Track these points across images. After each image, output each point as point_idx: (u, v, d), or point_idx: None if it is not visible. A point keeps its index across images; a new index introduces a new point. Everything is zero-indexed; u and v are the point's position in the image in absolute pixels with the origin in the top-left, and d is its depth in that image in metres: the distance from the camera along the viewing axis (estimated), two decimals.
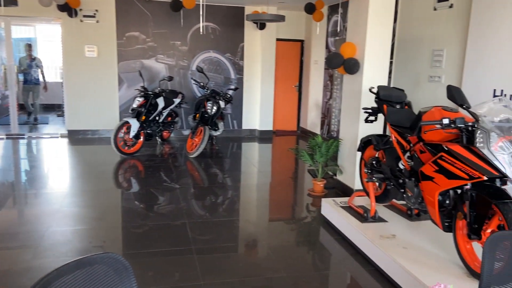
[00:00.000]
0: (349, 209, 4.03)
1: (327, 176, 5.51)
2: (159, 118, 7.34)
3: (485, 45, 4.21)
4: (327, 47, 8.26)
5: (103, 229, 3.95)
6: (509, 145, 2.41)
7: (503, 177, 2.43)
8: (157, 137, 7.63)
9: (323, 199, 4.35)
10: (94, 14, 7.96)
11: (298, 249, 3.67)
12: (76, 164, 6.46)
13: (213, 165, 6.59)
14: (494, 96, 4.10)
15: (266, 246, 3.71)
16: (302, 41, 9.50)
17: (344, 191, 5.14)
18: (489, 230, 2.59)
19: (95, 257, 1.41)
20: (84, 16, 7.92)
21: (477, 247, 2.78)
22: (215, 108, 7.12)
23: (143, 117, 6.85)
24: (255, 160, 7.15)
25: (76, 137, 8.26)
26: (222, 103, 7.35)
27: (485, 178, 2.47)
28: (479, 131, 2.49)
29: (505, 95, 3.98)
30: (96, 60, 8.13)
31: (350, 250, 3.63)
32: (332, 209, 4.10)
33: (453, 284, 2.61)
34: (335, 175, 5.41)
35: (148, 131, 7.11)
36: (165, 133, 7.99)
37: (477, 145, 2.48)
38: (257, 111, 9.20)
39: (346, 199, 4.30)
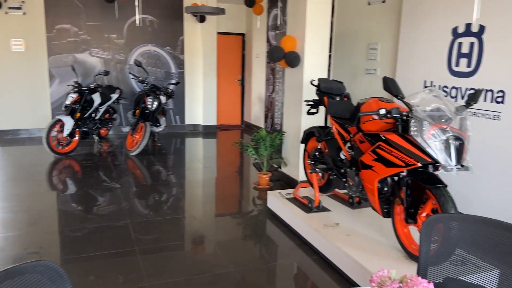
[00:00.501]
0: (294, 200, 4.09)
1: (272, 169, 5.56)
2: (96, 115, 7.00)
3: (416, 39, 4.44)
4: (268, 40, 8.31)
5: (38, 234, 3.69)
6: (440, 132, 2.55)
7: (435, 163, 2.57)
8: (94, 135, 7.27)
9: (268, 192, 4.39)
10: (21, 5, 7.39)
11: (245, 243, 3.66)
12: (5, 166, 5.98)
13: (155, 162, 6.41)
14: (425, 87, 4.34)
15: (213, 242, 3.67)
16: (243, 35, 9.49)
17: (289, 183, 5.21)
18: (424, 214, 2.73)
19: (26, 266, 1.30)
20: (10, 8, 7.34)
21: (414, 231, 2.94)
22: (156, 103, 6.91)
23: (78, 114, 6.49)
24: (199, 156, 7.05)
25: (4, 138, 7.66)
26: (163, 98, 7.15)
27: (419, 164, 2.60)
28: (412, 120, 2.62)
29: (434, 85, 4.22)
30: (23, 54, 7.57)
31: (296, 241, 3.68)
32: (277, 201, 4.14)
33: (393, 267, 2.74)
34: (280, 167, 5.47)
35: (84, 129, 6.75)
36: (102, 131, 7.64)
37: (411, 133, 2.60)
38: (200, 105, 9.08)
39: (291, 190, 4.37)
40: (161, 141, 7.94)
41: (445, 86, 4.10)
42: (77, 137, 6.54)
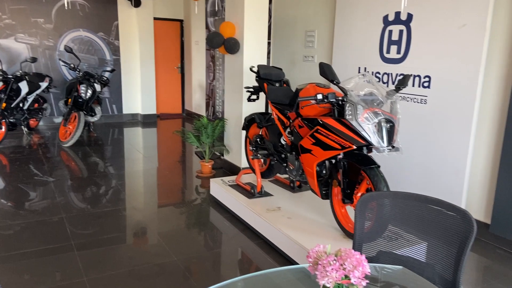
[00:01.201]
0: (237, 187, 4.12)
1: (215, 157, 5.55)
2: (23, 105, 6.53)
3: (350, 27, 4.60)
4: (207, 27, 8.20)
5: None
6: (373, 116, 2.68)
7: (369, 145, 2.71)
8: (22, 126, 6.80)
9: (211, 180, 4.38)
10: None
11: (189, 232, 3.64)
12: None
13: (92, 154, 6.13)
14: (360, 72, 4.52)
15: (156, 233, 3.61)
16: (181, 21, 9.28)
17: (232, 170, 5.23)
18: (359, 194, 2.88)
19: None
20: None
21: (351, 211, 3.09)
22: (89, 91, 6.59)
23: (4, 105, 6.02)
24: (139, 146, 6.85)
25: None
26: (97, 86, 6.83)
27: (354, 147, 2.72)
28: (348, 105, 2.72)
29: (368, 71, 4.42)
30: None
31: (240, 227, 3.72)
32: (220, 189, 4.14)
33: (330, 244, 2.87)
34: (222, 155, 5.47)
35: (11, 120, 6.29)
36: (32, 122, 7.16)
37: (347, 117, 2.71)
38: (139, 94, 8.79)
39: (233, 177, 4.39)
40: (97, 132, 7.60)
41: (378, 72, 4.30)
42: (3, 128, 6.08)
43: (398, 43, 4.04)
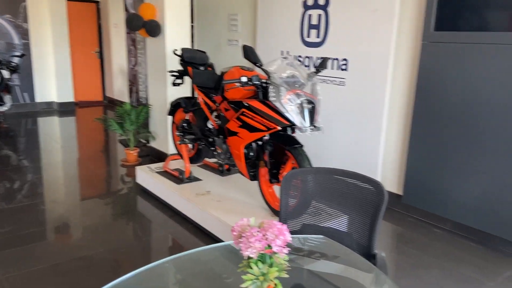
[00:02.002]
0: (165, 173, 4.05)
1: (140, 144, 5.39)
2: None
3: (272, 11, 4.68)
4: (126, 9, 7.83)
5: None
6: (295, 97, 2.78)
7: (293, 126, 2.81)
8: None
9: (137, 168, 4.25)
10: None
11: (116, 223, 3.52)
12: None
13: (3, 146, 5.63)
14: (283, 56, 4.64)
15: (80, 225, 3.44)
16: (97, 2, 8.75)
17: (159, 157, 5.13)
18: (285, 173, 2.98)
19: None
20: None
21: (278, 190, 3.20)
22: None
23: None
24: (56, 136, 6.42)
25: None
26: (5, 73, 6.26)
27: (279, 128, 2.81)
28: (271, 87, 2.79)
29: (290, 55, 4.55)
30: None
31: (169, 213, 3.68)
32: (147, 176, 4.05)
33: (254, 217, 2.96)
34: (148, 142, 5.33)
35: None
36: None
37: (271, 99, 2.78)
38: (53, 81, 8.19)
39: (161, 164, 4.31)
40: (8, 122, 6.99)
41: (299, 56, 4.45)
42: None
43: (317, 27, 4.20)
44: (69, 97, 8.35)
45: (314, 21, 4.22)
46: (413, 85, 3.58)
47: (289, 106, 2.77)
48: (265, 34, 4.81)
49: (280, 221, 1.92)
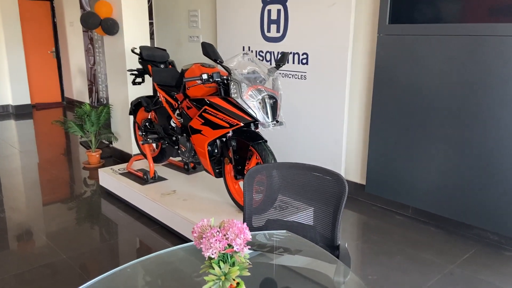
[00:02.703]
0: (129, 174, 3.97)
1: (103, 146, 5.26)
2: None
3: (231, 6, 4.66)
4: (81, 6, 7.58)
5: None
6: (257, 93, 2.79)
7: (255, 121, 2.82)
8: None
9: (100, 170, 4.15)
10: None
11: (80, 227, 3.43)
12: None
13: None
14: (243, 51, 4.63)
15: (43, 232, 3.33)
16: (51, 0, 8.42)
17: (123, 158, 5.02)
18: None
19: None
20: None
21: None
22: None
23: None
24: (13, 141, 6.16)
25: None
26: None
27: (241, 124, 2.81)
28: (232, 83, 2.79)
29: (252, 51, 4.55)
30: None
31: (134, 215, 3.62)
32: (111, 178, 3.96)
33: (214, 218, 2.96)
34: (111, 143, 5.21)
35: None
36: None
37: (232, 95, 2.78)
38: (7, 83, 7.84)
39: (124, 165, 4.22)
40: None
41: (261, 51, 4.45)
42: None
43: (277, 22, 4.22)
44: (26, 100, 8.02)
45: (274, 16, 4.23)
46: (371, 76, 3.67)
47: (251, 102, 2.77)
48: (226, 30, 4.79)
49: (244, 217, 1.93)
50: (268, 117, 2.82)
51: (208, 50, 2.84)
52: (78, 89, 8.49)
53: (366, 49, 3.66)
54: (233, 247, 1.03)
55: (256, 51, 4.50)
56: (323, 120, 3.99)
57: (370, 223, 3.49)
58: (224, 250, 1.03)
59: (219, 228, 1.07)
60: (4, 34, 7.54)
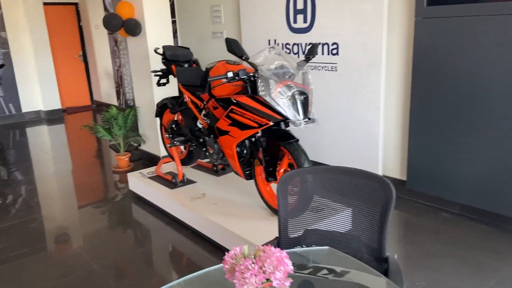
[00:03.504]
0: (158, 178, 3.88)
1: (131, 149, 5.21)
2: None
3: None
4: (105, 8, 7.58)
5: None
6: (286, 89, 2.60)
7: (286, 120, 2.64)
8: None
9: (128, 174, 4.08)
10: None
11: (113, 232, 3.36)
12: None
13: None
14: (269, 45, 4.44)
15: (80, 237, 3.28)
16: (76, 4, 8.48)
17: (151, 160, 4.96)
18: (282, 170, 2.82)
19: None
20: None
21: (276, 188, 3.04)
22: None
23: None
24: (46, 146, 6.23)
25: None
26: None
27: (271, 123, 2.64)
28: (259, 80, 2.61)
29: (278, 44, 4.35)
30: None
31: (165, 219, 3.52)
32: (140, 182, 3.88)
33: (259, 226, 2.80)
34: (139, 145, 5.15)
35: None
36: None
37: (260, 93, 2.61)
38: (38, 89, 7.96)
39: (153, 168, 4.14)
40: None
41: (287, 44, 4.25)
42: None
43: (304, 11, 4.00)
44: (56, 104, 8.13)
45: (300, 6, 4.02)
46: (409, 64, 3.41)
47: (281, 99, 2.60)
48: (250, 23, 4.61)
49: (280, 224, 1.77)
50: (299, 115, 2.63)
51: (233, 46, 2.67)
52: (106, 91, 8.54)
53: (402, 34, 3.39)
54: (272, 282, 0.87)
55: (282, 44, 4.30)
56: (357, 114, 3.76)
57: (413, 222, 3.25)
58: (262, 285, 0.87)
59: (254, 258, 0.90)
60: (31, 41, 7.65)
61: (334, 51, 3.82)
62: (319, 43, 3.93)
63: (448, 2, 3.01)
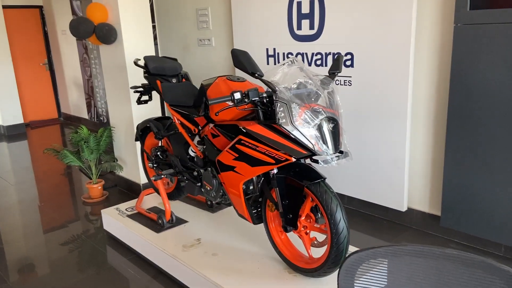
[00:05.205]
0: (139, 216, 3.20)
1: (106, 172, 4.48)
2: None
3: (249, 1, 3.86)
4: (73, 12, 6.80)
5: None
6: (313, 115, 2.00)
7: (313, 155, 2.03)
8: None
9: (102, 211, 3.36)
10: None
11: (83, 280, 2.66)
12: None
13: None
14: (268, 55, 3.84)
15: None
16: (41, 7, 7.65)
17: (130, 188, 4.25)
18: (303, 218, 2.21)
19: None
20: None
21: (293, 236, 2.43)
22: None
23: None
24: (5, 170, 5.40)
25: None
26: None
27: (293, 159, 2.03)
28: (278, 105, 2.00)
29: (278, 54, 3.76)
30: None
31: (151, 272, 2.84)
32: (117, 222, 3.18)
33: (268, 285, 2.14)
34: (115, 171, 4.43)
35: None
36: None
37: (280, 121, 1.99)
38: None
39: (133, 203, 3.45)
40: None
41: (290, 53, 3.66)
42: None
43: (310, 16, 3.42)
44: (18, 119, 7.26)
45: (306, 9, 3.44)
46: (443, 78, 2.87)
47: (306, 128, 1.99)
48: (244, 29, 3.99)
49: None
50: (329, 148, 2.03)
51: (242, 60, 2.05)
52: (75, 103, 7.72)
53: (436, 43, 2.85)
54: None
55: (283, 54, 3.71)
56: (378, 136, 3.20)
57: None
58: None
59: None
60: None
61: (348, 63, 3.26)
62: (329, 53, 3.36)
63: (494, 6, 2.49)
